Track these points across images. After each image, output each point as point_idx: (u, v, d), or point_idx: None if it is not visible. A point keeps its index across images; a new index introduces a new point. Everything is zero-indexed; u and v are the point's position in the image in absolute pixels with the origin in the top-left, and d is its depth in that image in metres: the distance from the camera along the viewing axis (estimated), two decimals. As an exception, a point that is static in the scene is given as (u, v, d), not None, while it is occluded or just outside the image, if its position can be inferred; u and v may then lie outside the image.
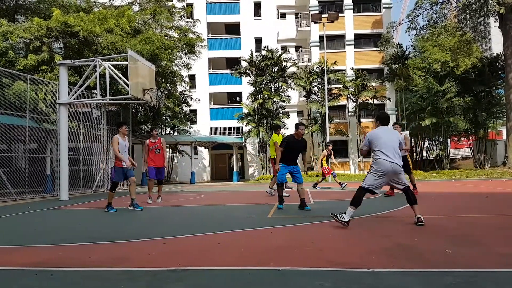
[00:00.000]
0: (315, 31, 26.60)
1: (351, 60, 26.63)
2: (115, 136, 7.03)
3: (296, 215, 5.77)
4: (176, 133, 24.93)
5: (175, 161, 26.70)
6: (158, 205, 8.15)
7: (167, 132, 24.96)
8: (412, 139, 32.86)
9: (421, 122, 25.39)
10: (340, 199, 8.27)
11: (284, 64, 24.49)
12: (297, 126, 6.47)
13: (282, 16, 30.04)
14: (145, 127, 21.66)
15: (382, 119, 4.98)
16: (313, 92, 25.06)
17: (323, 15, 21.96)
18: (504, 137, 26.92)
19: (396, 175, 4.61)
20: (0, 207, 8.39)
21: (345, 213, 4.55)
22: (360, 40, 27.11)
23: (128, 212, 6.95)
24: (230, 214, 6.35)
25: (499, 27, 22.19)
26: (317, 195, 9.82)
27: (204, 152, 27.91)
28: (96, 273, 2.82)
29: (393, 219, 5.29)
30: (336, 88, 24.83)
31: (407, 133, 8.53)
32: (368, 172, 4.90)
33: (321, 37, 25.21)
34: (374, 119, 4.79)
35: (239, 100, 28.57)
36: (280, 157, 6.47)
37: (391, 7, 27.31)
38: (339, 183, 11.81)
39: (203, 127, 28.11)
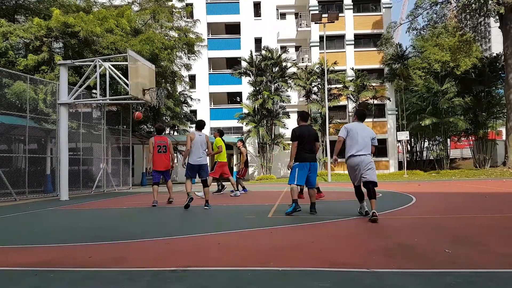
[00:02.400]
0: (315, 31, 26.59)
1: (351, 60, 26.62)
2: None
3: (296, 215, 5.77)
4: (176, 133, 24.93)
5: (175, 161, 26.70)
6: (157, 205, 8.15)
7: (167, 132, 24.97)
8: (412, 139, 32.89)
9: (421, 122, 25.37)
10: (341, 199, 8.27)
11: (284, 64, 24.48)
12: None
13: (282, 16, 30.03)
14: (145, 127, 21.65)
15: (361, 116, 5.55)
16: (313, 92, 25.05)
17: (323, 15, 21.95)
18: (504, 137, 26.91)
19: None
20: (0, 207, 8.39)
21: (361, 208, 5.49)
22: (360, 40, 27.09)
23: (128, 212, 6.95)
24: (230, 214, 6.35)
25: (499, 27, 22.18)
26: (317, 195, 9.80)
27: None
28: (96, 273, 2.82)
29: (393, 219, 5.29)
30: (336, 88, 24.81)
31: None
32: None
33: (321, 37, 25.18)
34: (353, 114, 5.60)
35: (239, 100, 28.57)
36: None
37: (391, 7, 27.30)
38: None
39: (203, 127, 28.09)
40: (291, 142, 5.78)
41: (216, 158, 9.65)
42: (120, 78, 9.99)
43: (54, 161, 12.41)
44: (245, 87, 27.10)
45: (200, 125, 7.12)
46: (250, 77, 24.74)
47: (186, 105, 24.33)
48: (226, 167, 9.73)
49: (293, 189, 5.74)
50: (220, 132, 10.07)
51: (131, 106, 16.48)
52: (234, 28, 29.29)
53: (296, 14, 29.63)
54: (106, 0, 17.88)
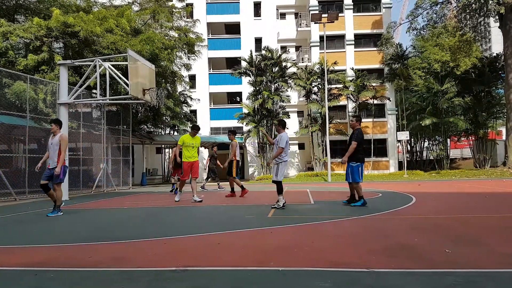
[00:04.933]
0: (315, 31, 26.59)
1: (351, 60, 26.62)
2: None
3: (296, 215, 5.78)
4: (176, 133, 24.94)
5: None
6: (157, 205, 8.15)
7: (167, 132, 24.97)
8: (412, 139, 32.87)
9: (421, 122, 25.37)
10: (341, 199, 8.27)
11: (284, 64, 24.46)
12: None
13: (282, 16, 30.03)
14: (145, 127, 21.65)
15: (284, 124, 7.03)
16: (313, 92, 25.03)
17: (323, 15, 21.96)
18: (504, 137, 26.92)
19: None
20: (0, 207, 8.39)
21: (278, 201, 6.65)
22: (360, 40, 27.08)
23: (128, 212, 6.95)
24: (230, 214, 6.35)
25: (499, 27, 22.18)
26: (317, 195, 9.84)
27: (204, 152, 27.93)
28: (96, 273, 2.82)
29: (393, 219, 5.29)
30: (336, 88, 24.79)
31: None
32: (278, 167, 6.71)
33: (321, 37, 25.20)
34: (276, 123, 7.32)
35: (239, 100, 28.57)
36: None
37: (391, 7, 27.29)
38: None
39: (203, 127, 28.08)
40: (355, 142, 6.78)
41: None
42: (120, 78, 9.98)
43: (54, 161, 12.38)
44: (245, 87, 27.10)
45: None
46: (250, 77, 24.73)
47: (186, 105, 24.34)
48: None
49: (360, 187, 6.90)
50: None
51: (131, 106, 16.49)
52: (234, 28, 29.28)
53: (296, 14, 29.64)
54: (106, 0, 17.89)
